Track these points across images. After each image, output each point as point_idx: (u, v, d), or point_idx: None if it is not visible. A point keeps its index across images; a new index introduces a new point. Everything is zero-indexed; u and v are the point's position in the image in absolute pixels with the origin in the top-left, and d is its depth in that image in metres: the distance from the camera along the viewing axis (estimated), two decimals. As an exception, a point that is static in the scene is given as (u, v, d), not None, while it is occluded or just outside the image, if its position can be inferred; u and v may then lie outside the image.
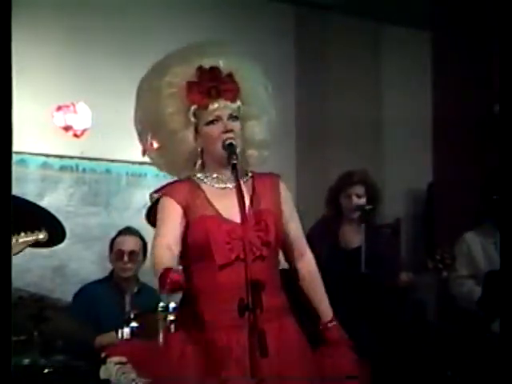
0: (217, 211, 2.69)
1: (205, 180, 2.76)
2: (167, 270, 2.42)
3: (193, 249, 2.68)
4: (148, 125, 2.80)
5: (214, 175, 2.75)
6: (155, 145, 2.81)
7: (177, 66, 2.75)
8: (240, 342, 2.54)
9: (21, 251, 3.37)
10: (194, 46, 2.83)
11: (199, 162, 2.76)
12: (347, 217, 4.55)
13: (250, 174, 2.81)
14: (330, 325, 2.80)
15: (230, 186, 2.71)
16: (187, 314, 2.74)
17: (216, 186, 2.74)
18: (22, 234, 3.40)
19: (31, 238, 3.42)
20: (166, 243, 2.62)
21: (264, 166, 2.89)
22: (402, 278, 4.41)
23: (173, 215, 2.68)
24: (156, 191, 2.77)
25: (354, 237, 4.53)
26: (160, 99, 2.73)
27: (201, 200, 2.71)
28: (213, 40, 2.92)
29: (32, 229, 3.46)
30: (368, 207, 4.49)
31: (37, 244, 3.99)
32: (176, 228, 2.66)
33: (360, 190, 4.50)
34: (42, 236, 3.49)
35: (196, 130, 2.72)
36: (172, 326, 3.47)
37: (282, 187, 2.82)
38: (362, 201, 4.50)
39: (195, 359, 2.60)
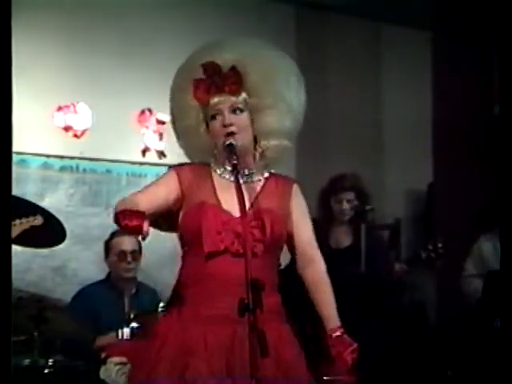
0: (218, 201, 2.69)
1: (218, 170, 2.76)
2: (125, 211, 2.49)
3: (186, 233, 2.69)
4: (172, 118, 2.85)
5: (227, 167, 2.74)
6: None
7: (189, 65, 2.77)
8: (229, 336, 2.54)
9: (17, 236, 3.38)
10: (211, 44, 2.84)
11: (215, 155, 2.77)
12: (337, 219, 4.59)
13: (266, 175, 2.79)
14: (333, 335, 2.69)
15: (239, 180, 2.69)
16: (177, 300, 2.70)
17: (227, 177, 2.73)
18: (17, 220, 3.41)
19: (26, 222, 3.44)
20: (139, 197, 2.65)
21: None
22: (396, 269, 4.42)
23: (164, 186, 2.72)
24: (174, 166, 2.80)
25: (344, 237, 4.57)
26: (179, 96, 2.77)
27: (207, 188, 2.71)
28: (226, 38, 2.90)
29: (28, 215, 3.47)
30: (368, 207, 4.51)
31: (37, 244, 4.00)
32: (158, 197, 2.69)
33: (350, 195, 4.55)
34: (37, 221, 3.50)
35: (208, 128, 2.74)
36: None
37: (295, 192, 2.80)
38: (352, 206, 4.55)
39: (180, 350, 2.55)
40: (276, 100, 2.73)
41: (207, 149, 2.76)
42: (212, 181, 2.74)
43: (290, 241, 2.78)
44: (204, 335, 2.56)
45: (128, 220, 2.47)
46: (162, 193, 2.71)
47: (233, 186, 2.64)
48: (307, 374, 2.64)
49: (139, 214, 2.49)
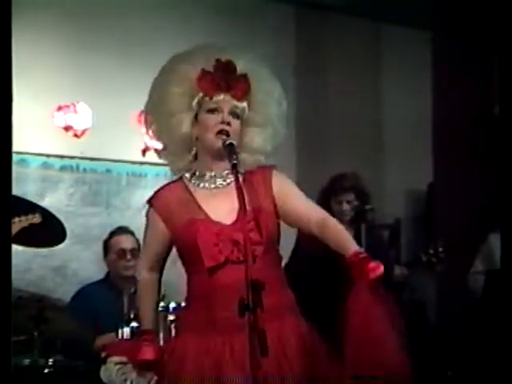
0: (205, 214, 2.69)
1: (193, 181, 2.76)
2: (139, 345, 2.72)
3: (184, 253, 2.72)
4: (151, 103, 2.79)
5: (205, 174, 2.74)
6: (153, 127, 2.79)
7: (198, 54, 2.77)
8: (237, 345, 2.55)
9: (17, 235, 3.38)
10: (225, 45, 2.86)
11: (193, 152, 2.75)
12: (337, 219, 4.58)
13: (242, 172, 2.76)
14: (360, 256, 2.54)
15: (219, 185, 2.71)
16: (187, 316, 2.76)
17: (206, 186, 2.73)
18: (16, 218, 3.41)
19: (26, 220, 3.44)
20: (148, 266, 2.84)
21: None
22: (396, 272, 4.42)
23: (154, 235, 2.78)
24: (149, 199, 2.81)
25: None
26: (172, 79, 2.75)
27: (189, 204, 2.71)
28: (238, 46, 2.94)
29: (27, 213, 3.47)
30: (368, 207, 4.51)
31: (38, 244, 4.00)
32: (156, 248, 2.79)
33: (350, 196, 4.54)
34: (36, 219, 3.50)
35: (195, 119, 2.72)
36: (172, 326, 3.48)
37: (275, 179, 2.77)
38: (352, 206, 4.54)
39: (196, 361, 2.60)
40: (267, 121, 2.77)
41: (186, 143, 2.74)
42: (192, 195, 2.73)
43: (288, 217, 2.73)
44: (228, 344, 2.59)
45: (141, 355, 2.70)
46: (158, 243, 2.78)
47: (214, 192, 2.70)
48: (318, 371, 2.62)
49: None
